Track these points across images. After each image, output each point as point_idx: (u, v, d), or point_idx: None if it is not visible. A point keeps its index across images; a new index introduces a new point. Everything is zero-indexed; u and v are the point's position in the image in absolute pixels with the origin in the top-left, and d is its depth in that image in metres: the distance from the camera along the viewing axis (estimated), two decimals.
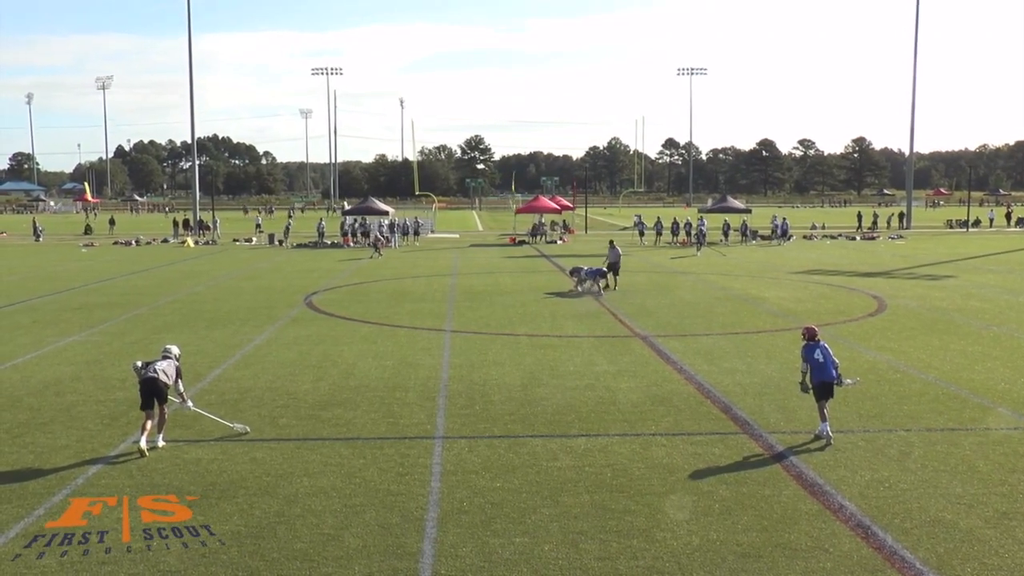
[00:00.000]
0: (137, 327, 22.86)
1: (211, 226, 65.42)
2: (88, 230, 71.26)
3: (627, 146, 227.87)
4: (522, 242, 57.40)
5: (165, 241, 61.76)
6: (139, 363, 12.64)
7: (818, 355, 12.62)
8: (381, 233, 52.51)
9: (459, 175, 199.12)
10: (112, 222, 76.93)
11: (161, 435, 12.26)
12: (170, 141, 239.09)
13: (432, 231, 67.91)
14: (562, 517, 9.62)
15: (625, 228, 71.08)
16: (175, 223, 71.86)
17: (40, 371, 17.38)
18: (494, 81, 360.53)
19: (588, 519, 9.57)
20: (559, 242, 57.80)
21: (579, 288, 29.74)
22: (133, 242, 60.15)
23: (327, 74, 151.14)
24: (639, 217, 64.41)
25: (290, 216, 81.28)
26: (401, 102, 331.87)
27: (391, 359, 18.19)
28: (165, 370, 12.29)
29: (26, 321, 24.05)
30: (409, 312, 25.07)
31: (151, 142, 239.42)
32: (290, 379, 16.39)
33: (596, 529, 9.30)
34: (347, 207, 76.28)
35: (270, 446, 12.30)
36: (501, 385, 15.77)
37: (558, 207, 66.50)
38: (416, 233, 60.82)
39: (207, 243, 60.28)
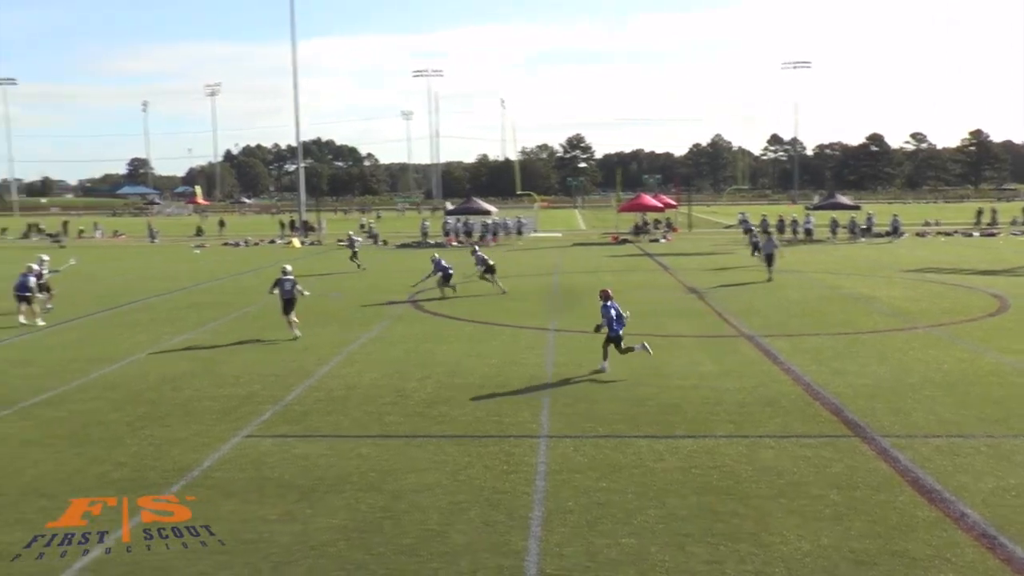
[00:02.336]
0: (247, 325, 23.47)
1: (316, 227, 66.87)
2: (199, 231, 73.60)
3: (729, 143, 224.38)
4: (624, 241, 56.99)
5: (272, 242, 63.34)
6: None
7: (612, 312, 16.68)
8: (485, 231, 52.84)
9: (560, 174, 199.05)
10: (222, 224, 79.37)
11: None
12: (276, 144, 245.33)
13: (535, 230, 68.04)
14: (668, 519, 9.48)
15: (729, 226, 69.86)
16: (281, 224, 73.83)
17: (158, 367, 17.98)
18: (595, 79, 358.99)
19: (695, 521, 9.40)
20: (662, 240, 57.22)
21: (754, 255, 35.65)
22: (242, 243, 61.87)
23: (428, 76, 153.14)
24: (744, 215, 63.29)
25: (377, 216, 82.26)
26: (502, 102, 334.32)
27: (496, 357, 18.26)
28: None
29: (144, 319, 24.96)
30: (513, 311, 25.14)
31: (258, 146, 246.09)
32: (396, 376, 16.58)
33: (703, 532, 9.13)
34: (449, 207, 77.04)
35: (376, 442, 12.46)
36: (606, 384, 15.66)
37: (661, 205, 65.80)
38: (519, 232, 61.00)
39: (312, 244, 61.58)
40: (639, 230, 59.22)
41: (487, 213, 62.04)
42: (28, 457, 12.07)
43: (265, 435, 12.89)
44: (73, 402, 15.11)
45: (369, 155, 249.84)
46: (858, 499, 9.99)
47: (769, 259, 32.21)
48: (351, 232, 48.53)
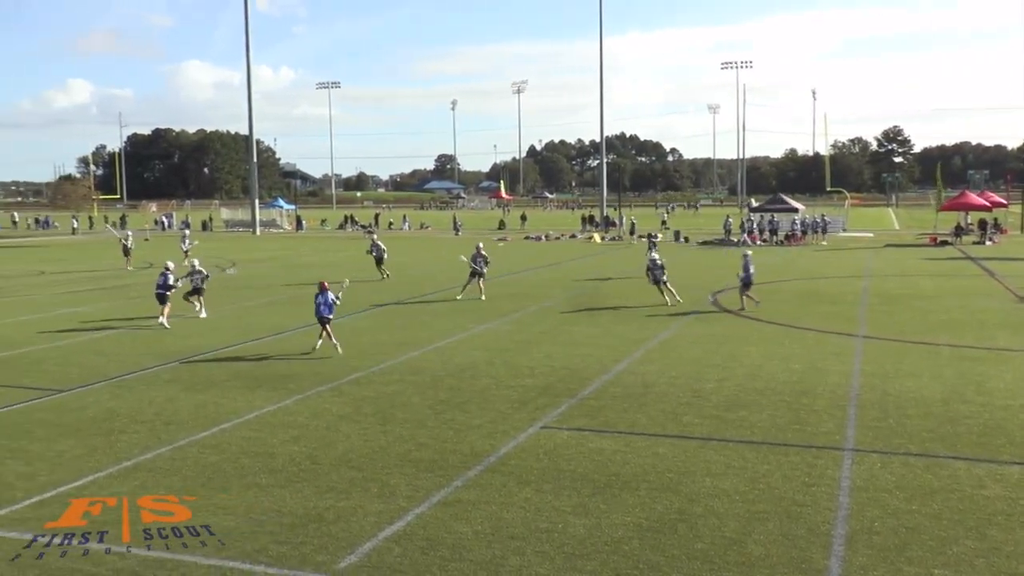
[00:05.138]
0: (545, 317, 24.06)
1: (616, 222, 67.43)
2: (502, 225, 76.57)
3: None
4: (944, 242, 52.80)
5: (573, 236, 64.57)
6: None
7: (320, 299, 18.56)
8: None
9: (874, 169, 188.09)
10: (523, 218, 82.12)
11: None
12: (579, 140, 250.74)
13: (843, 229, 64.78)
14: (990, 553, 8.57)
15: None
16: (582, 219, 75.11)
17: (458, 355, 18.81)
18: (914, 66, 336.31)
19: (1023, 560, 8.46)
20: (988, 243, 52.48)
21: None
22: (543, 237, 63.48)
23: (736, 68, 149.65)
24: None
25: (670, 210, 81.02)
26: (813, 93, 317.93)
27: (799, 362, 17.49)
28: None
29: (446, 308, 26.25)
30: (818, 314, 23.99)
31: (561, 141, 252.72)
32: (694, 377, 16.30)
33: None
34: (754, 204, 75.04)
35: (673, 442, 12.29)
36: (918, 399, 14.52)
37: (988, 204, 60.40)
38: (823, 231, 58.34)
39: (613, 239, 62.15)
40: (961, 231, 54.69)
41: (794, 210, 59.85)
42: (340, 431, 13.03)
43: (561, 427, 13.09)
44: (381, 383, 16.14)
45: (673, 150, 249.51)
46: None
47: None
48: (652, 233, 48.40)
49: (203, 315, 24.60)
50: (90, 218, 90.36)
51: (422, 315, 24.92)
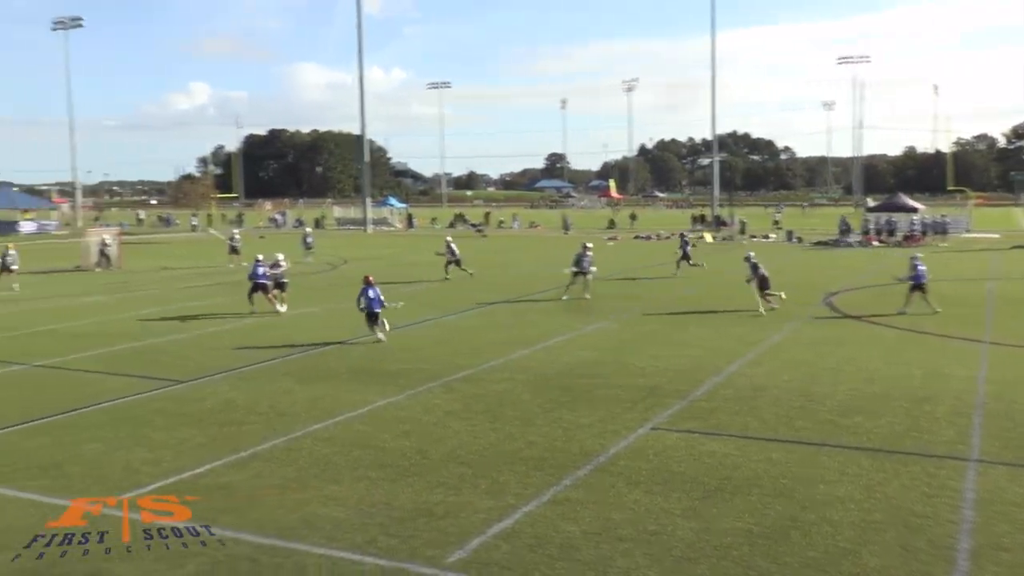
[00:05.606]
0: (654, 317, 23.86)
1: (728, 222, 66.35)
2: (611, 224, 76.17)
3: None
4: None
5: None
6: None
7: (372, 293, 19.98)
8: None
9: (1001, 167, 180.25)
10: (633, 217, 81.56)
11: None
12: (690, 139, 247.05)
13: (967, 230, 62.34)
14: None
15: None
16: (692, 218, 74.23)
17: (566, 354, 18.77)
18: None
19: None
20: None
21: None
22: (653, 237, 62.90)
23: (854, 63, 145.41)
24: None
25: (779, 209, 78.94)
26: (935, 88, 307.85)
27: (918, 368, 16.88)
28: None
29: (553, 308, 26.21)
30: (940, 318, 23.09)
31: (671, 140, 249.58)
32: (808, 380, 15.90)
33: None
34: (871, 203, 72.91)
35: (787, 447, 12.01)
36: None
37: None
38: (944, 232, 56.22)
39: (724, 239, 61.19)
40: None
41: (912, 210, 57.90)
42: (450, 427, 13.15)
43: (671, 428, 12.94)
44: (490, 381, 16.22)
45: (786, 148, 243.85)
46: None
47: None
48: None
49: (281, 309, 25.24)
50: (208, 216, 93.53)
51: (529, 314, 24.99)
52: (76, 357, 19.00)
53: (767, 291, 24.87)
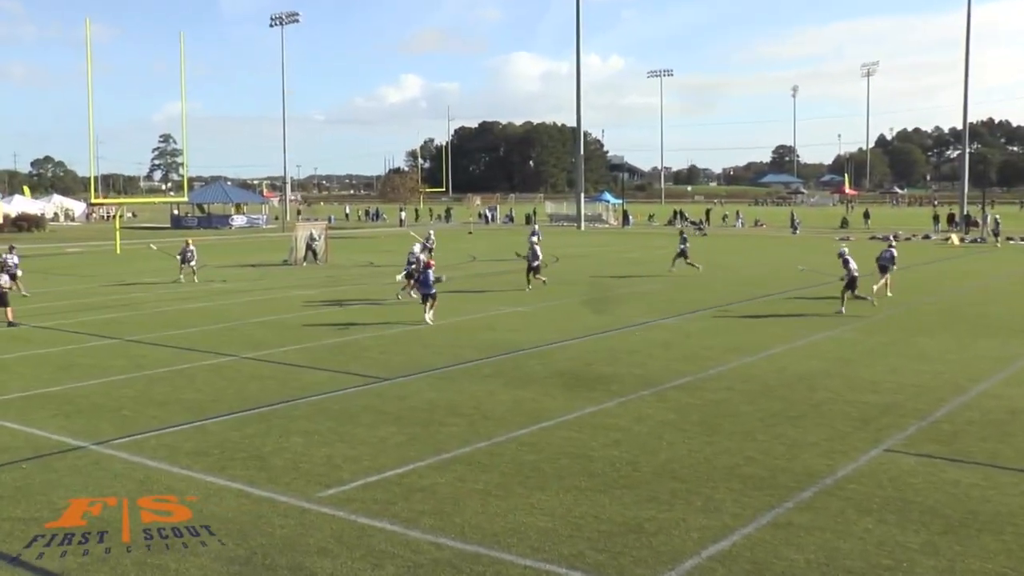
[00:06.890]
0: (891, 326, 22.20)
1: (979, 222, 61.57)
2: (844, 223, 72.38)
3: None
4: None
5: (926, 237, 59.82)
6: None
7: (430, 276, 22.53)
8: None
9: None
10: (866, 215, 77.06)
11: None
12: (936, 128, 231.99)
13: None
14: None
15: None
16: (935, 218, 69.35)
17: (792, 364, 17.74)
18: None
19: None
20: None
21: None
22: (889, 237, 59.10)
23: None
24: None
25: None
26: None
27: None
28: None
29: (780, 313, 24.87)
30: None
31: (915, 129, 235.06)
32: None
33: None
34: None
35: None
36: None
37: None
38: None
39: (974, 241, 56.83)
40: None
41: None
42: (664, 438, 12.56)
43: (908, 452, 11.85)
44: (707, 390, 15.48)
45: None
46: None
47: None
48: None
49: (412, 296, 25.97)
50: (416, 211, 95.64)
51: (754, 320, 23.90)
52: (282, 350, 19.51)
53: (855, 292, 24.10)
